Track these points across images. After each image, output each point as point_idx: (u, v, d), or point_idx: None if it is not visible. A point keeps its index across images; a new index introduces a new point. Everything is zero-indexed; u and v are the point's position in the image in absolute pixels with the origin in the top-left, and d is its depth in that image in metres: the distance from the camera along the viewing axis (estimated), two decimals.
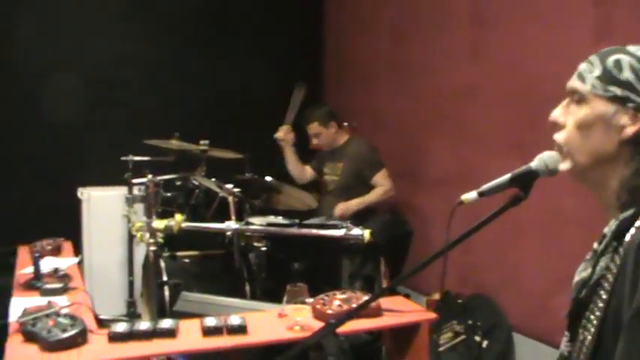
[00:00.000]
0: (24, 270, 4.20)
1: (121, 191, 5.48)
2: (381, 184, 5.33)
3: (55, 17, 6.20)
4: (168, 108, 6.36)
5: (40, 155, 6.06)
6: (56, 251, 4.65)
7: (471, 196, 1.67)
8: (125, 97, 6.29)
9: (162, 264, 4.56)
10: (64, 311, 3.15)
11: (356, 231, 3.60)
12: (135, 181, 5.03)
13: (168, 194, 4.99)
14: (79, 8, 6.28)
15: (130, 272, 5.70)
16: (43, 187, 5.98)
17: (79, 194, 5.94)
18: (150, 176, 4.44)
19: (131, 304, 5.74)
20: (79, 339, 2.82)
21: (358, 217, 4.60)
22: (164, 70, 6.44)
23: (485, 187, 1.65)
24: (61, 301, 3.42)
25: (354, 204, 5.29)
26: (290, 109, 5.54)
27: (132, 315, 5.68)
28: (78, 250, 5.32)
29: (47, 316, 3.00)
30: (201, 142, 5.02)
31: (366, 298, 3.25)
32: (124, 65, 6.30)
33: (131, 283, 5.72)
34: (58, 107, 6.08)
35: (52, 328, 2.85)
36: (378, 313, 3.19)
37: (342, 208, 5.28)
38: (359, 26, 6.70)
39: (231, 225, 3.83)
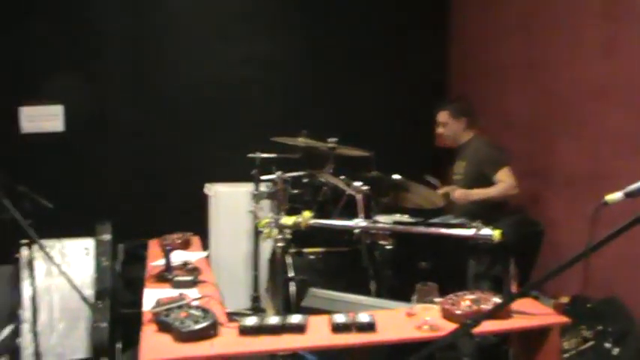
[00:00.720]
0: (155, 262, 4.32)
1: (247, 187, 5.58)
2: (503, 181, 5.19)
3: (184, 17, 6.36)
4: (295, 106, 6.38)
5: (170, 152, 6.23)
6: (185, 245, 4.77)
7: (616, 196, 1.60)
8: (253, 95, 6.36)
9: (289, 260, 4.60)
10: (195, 303, 3.23)
11: (486, 231, 3.54)
12: (263, 177, 5.08)
13: (295, 191, 5.03)
14: (208, 8, 6.41)
15: (255, 267, 5.78)
16: (173, 182, 6.15)
17: (206, 190, 6.07)
18: (278, 173, 4.50)
19: (255, 299, 5.81)
20: (211, 331, 2.88)
21: (487, 217, 4.51)
22: (292, 69, 6.47)
23: (631, 187, 1.58)
24: (191, 294, 3.50)
25: (474, 193, 5.19)
26: None
27: (256, 309, 5.75)
28: (205, 244, 5.44)
29: (179, 307, 3.09)
30: (330, 139, 5.04)
31: (495, 299, 3.19)
32: (253, 63, 6.36)
33: (256, 278, 5.80)
34: (188, 105, 6.24)
35: (184, 320, 2.91)
36: (507, 314, 3.12)
37: (461, 193, 5.20)
38: (486, 21, 6.56)
39: (360, 222, 3.83)
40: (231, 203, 5.97)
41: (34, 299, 4.01)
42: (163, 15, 6.31)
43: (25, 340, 5.38)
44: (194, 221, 5.66)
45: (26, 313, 5.61)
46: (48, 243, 5.82)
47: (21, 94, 6.20)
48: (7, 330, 2.41)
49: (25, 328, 5.63)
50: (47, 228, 4.84)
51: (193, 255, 4.41)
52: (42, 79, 6.14)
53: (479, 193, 5.18)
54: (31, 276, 3.91)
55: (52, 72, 6.12)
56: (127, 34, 6.25)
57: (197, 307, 3.07)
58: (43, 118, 6.22)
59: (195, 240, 5.03)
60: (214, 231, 6.01)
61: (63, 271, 3.70)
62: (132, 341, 5.28)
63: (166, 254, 4.03)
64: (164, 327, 2.97)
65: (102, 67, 6.23)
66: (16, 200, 4.25)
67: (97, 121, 6.20)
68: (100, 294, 5.54)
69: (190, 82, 6.28)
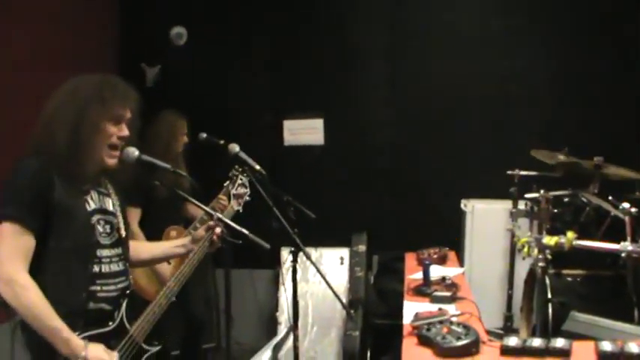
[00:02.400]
0: (413, 275, 4.37)
1: (505, 205, 5.47)
2: None
3: (443, 30, 6.34)
4: (556, 121, 6.10)
5: (428, 166, 6.25)
6: (442, 260, 4.78)
7: None
8: (514, 110, 6.19)
9: (547, 281, 4.46)
10: (455, 319, 3.22)
11: None
12: (527, 196, 4.94)
13: (555, 210, 4.87)
14: (467, 22, 6.35)
15: (510, 286, 5.65)
16: (429, 196, 6.15)
17: (462, 206, 6.03)
18: (542, 192, 4.38)
19: (508, 318, 5.69)
20: (473, 348, 2.86)
21: None
22: (555, 83, 6.20)
23: None
24: (450, 309, 3.50)
25: None
26: None
27: (508, 329, 5.62)
28: (460, 260, 5.40)
29: (440, 322, 3.09)
30: (596, 158, 4.82)
31: None
32: (516, 77, 6.18)
33: (510, 297, 5.67)
34: (446, 119, 6.22)
35: (446, 335, 2.92)
36: None
37: None
38: None
39: (627, 246, 3.63)
40: (487, 220, 5.86)
41: (295, 304, 4.15)
42: (423, 29, 6.33)
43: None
44: (449, 236, 5.66)
45: (282, 316, 5.88)
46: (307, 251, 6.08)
47: (285, 107, 6.52)
48: (284, 332, 2.55)
49: (279, 330, 5.90)
50: (304, 236, 5.03)
51: (451, 270, 4.41)
52: (304, 94, 6.43)
53: None
54: (294, 281, 4.06)
55: (313, 86, 6.41)
56: (387, 49, 6.36)
57: (458, 324, 3.06)
58: (304, 132, 6.47)
59: (452, 255, 5.03)
60: (469, 247, 5.94)
61: (327, 280, 3.81)
62: (382, 351, 5.40)
63: (425, 269, 4.06)
64: (425, 341, 2.99)
65: (361, 82, 6.40)
66: (281, 209, 4.45)
67: (355, 134, 6.35)
68: (353, 303, 5.67)
69: (450, 96, 6.22)
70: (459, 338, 2.87)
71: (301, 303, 5.86)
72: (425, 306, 3.65)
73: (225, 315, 5.61)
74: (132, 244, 3.03)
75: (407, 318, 3.40)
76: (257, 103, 6.52)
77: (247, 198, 3.79)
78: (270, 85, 6.50)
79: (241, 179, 3.76)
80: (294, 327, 3.97)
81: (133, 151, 2.77)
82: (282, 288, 5.83)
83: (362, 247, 5.93)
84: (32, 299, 2.46)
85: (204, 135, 4.84)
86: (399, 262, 5.47)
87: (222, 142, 4.40)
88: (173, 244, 3.18)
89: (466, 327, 3.01)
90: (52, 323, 2.46)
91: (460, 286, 4.04)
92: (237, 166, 4.15)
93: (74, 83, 2.74)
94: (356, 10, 6.42)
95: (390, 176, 6.33)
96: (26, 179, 2.56)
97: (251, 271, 6.44)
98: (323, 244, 6.04)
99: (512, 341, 2.90)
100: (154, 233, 4.83)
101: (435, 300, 3.75)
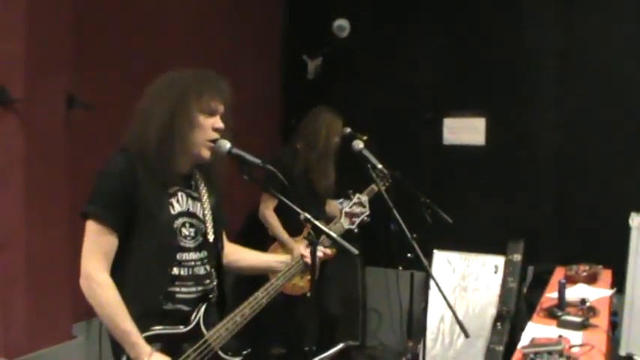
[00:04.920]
0: (552, 293, 3.99)
1: None
2: None
3: (616, 34, 5.73)
4: None
5: (594, 173, 5.72)
6: (591, 279, 4.38)
7: None
8: None
9: None
10: (576, 350, 2.86)
11: None
12: None
13: None
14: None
15: None
16: (593, 206, 5.64)
17: (630, 220, 5.49)
18: None
19: None
20: None
21: None
22: None
23: None
24: (574, 338, 3.12)
25: None
26: None
27: None
28: (616, 281, 4.91)
29: (549, 353, 2.75)
30: None
31: None
32: None
33: None
34: (618, 123, 5.68)
35: None
36: None
37: None
38: None
39: None
40: None
41: (424, 315, 3.88)
42: (598, 29, 5.79)
43: (427, 347, 5.42)
44: (612, 252, 5.16)
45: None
46: (460, 256, 5.80)
47: (446, 105, 6.28)
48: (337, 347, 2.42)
49: (429, 336, 5.68)
50: (459, 240, 4.72)
51: (595, 292, 4.00)
52: (467, 92, 6.17)
53: None
54: (426, 287, 3.80)
55: (477, 84, 6.12)
56: (559, 49, 5.89)
57: (568, 357, 2.70)
58: (464, 131, 6.19)
59: (605, 275, 4.58)
60: (633, 267, 5.36)
61: (449, 303, 3.49)
62: None
63: (560, 288, 3.67)
64: None
65: (528, 82, 5.99)
66: (417, 210, 4.25)
67: (518, 137, 5.98)
68: (501, 316, 5.36)
69: (623, 101, 5.67)
70: None
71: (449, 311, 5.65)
72: (548, 330, 3.28)
73: (368, 314, 5.51)
74: (234, 249, 3.04)
75: (524, 341, 3.08)
76: (417, 100, 6.32)
77: (366, 219, 3.56)
78: (431, 81, 6.27)
79: (359, 198, 3.54)
80: (418, 340, 3.72)
81: (225, 144, 2.66)
82: (430, 293, 5.63)
83: (517, 257, 5.60)
84: (107, 298, 2.49)
85: (348, 129, 4.71)
86: (549, 276, 5.09)
87: (365, 137, 4.24)
88: (276, 258, 3.12)
89: None
90: (123, 325, 2.48)
91: (599, 311, 3.58)
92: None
93: (168, 77, 2.72)
94: (526, 9, 6.02)
95: (552, 182, 5.89)
96: (112, 178, 2.57)
97: (403, 272, 6.25)
98: (477, 250, 5.76)
99: None
100: (291, 222, 4.80)
101: (562, 325, 3.34)
